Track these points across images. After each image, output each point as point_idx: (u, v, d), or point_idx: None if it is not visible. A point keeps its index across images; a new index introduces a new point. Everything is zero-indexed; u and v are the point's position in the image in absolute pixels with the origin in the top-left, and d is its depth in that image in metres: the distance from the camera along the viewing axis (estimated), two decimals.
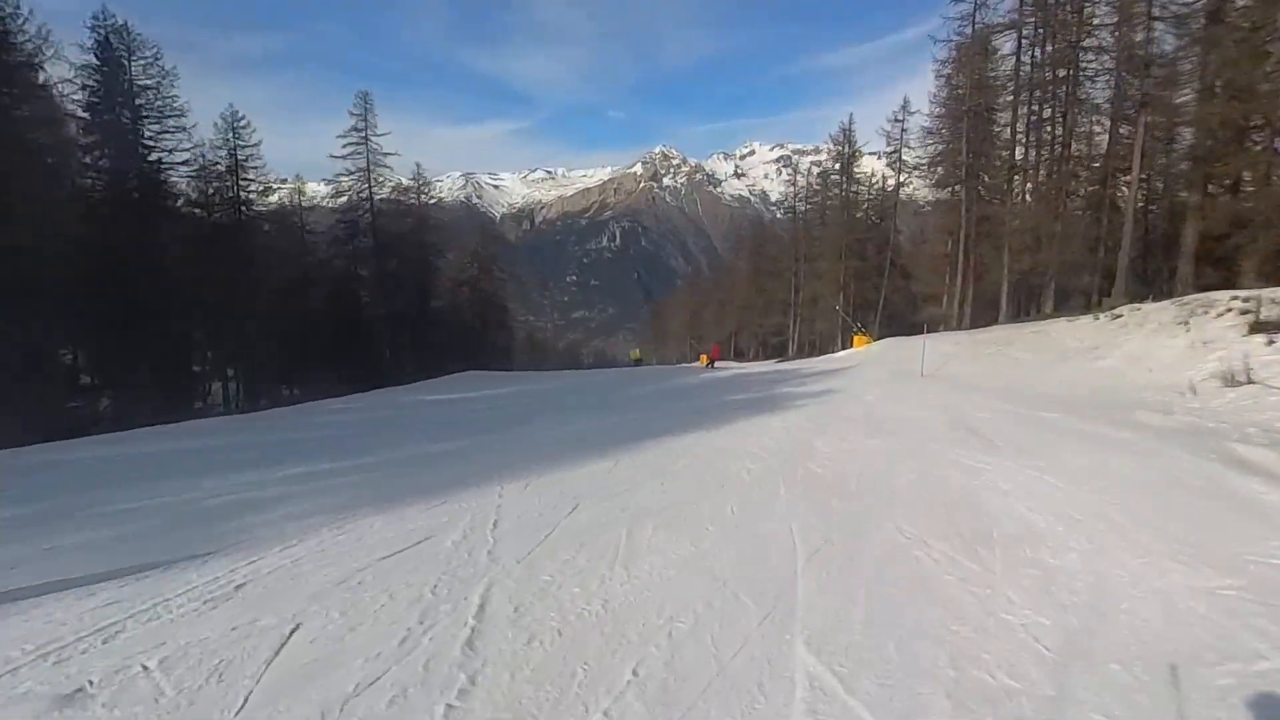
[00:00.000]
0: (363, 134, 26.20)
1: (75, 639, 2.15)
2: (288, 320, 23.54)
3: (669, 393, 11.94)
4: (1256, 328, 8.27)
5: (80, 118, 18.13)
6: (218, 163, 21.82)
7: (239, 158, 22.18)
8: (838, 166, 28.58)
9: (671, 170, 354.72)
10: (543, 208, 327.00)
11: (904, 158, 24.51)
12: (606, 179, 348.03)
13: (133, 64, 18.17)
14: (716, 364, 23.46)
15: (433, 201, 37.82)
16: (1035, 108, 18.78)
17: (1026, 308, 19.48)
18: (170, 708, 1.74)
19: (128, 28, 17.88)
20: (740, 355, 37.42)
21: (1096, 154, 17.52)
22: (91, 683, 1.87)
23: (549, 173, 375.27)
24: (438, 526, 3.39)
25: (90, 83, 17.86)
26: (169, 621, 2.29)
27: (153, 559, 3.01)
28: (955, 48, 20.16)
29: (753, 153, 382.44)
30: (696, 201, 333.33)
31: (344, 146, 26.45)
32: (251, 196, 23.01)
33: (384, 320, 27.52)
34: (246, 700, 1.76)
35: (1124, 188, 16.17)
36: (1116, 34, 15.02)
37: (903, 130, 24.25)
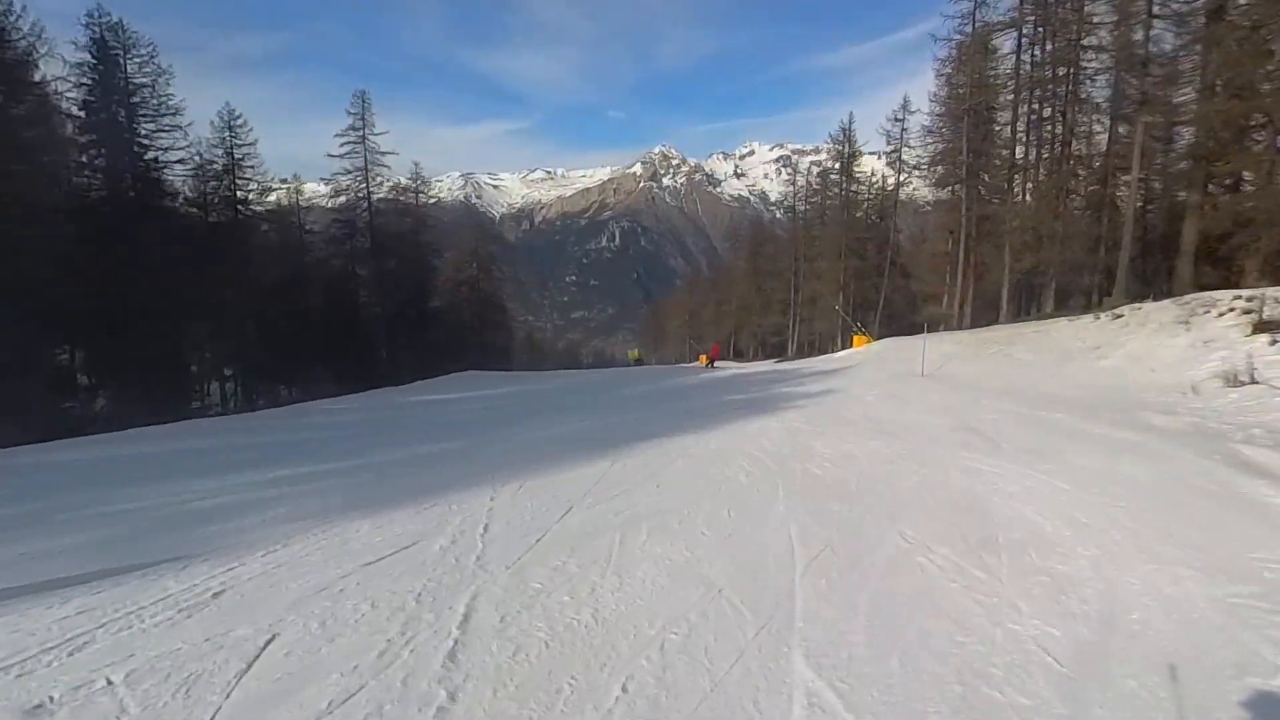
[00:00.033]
0: (360, 133, 26.09)
1: (40, 650, 2.05)
2: (285, 320, 23.43)
3: (667, 393, 11.84)
4: (1260, 327, 8.19)
5: (75, 116, 18.02)
6: (214, 162, 21.72)
7: (235, 157, 22.06)
8: (837, 166, 28.50)
9: (671, 170, 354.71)
10: (542, 208, 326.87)
11: (904, 157, 24.45)
12: (606, 179, 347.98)
13: (128, 61, 18.04)
14: (716, 364, 23.37)
15: (432, 201, 37.74)
16: (1035, 106, 18.72)
17: (1027, 307, 19.41)
18: None
19: (122, 25, 17.76)
20: (739, 355, 37.33)
21: (1096, 153, 17.46)
22: (52, 698, 1.77)
23: (548, 173, 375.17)
24: (426, 531, 3.29)
25: (85, 80, 17.74)
26: (140, 632, 2.19)
27: (133, 564, 2.92)
28: (955, 46, 20.10)
29: (752, 153, 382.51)
30: (696, 201, 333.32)
31: (341, 146, 26.37)
32: (249, 196, 22.90)
33: (382, 320, 27.41)
34: (214, 718, 1.67)
35: (1123, 187, 16.10)
36: (1115, 33, 14.94)
37: (903, 129, 24.20)
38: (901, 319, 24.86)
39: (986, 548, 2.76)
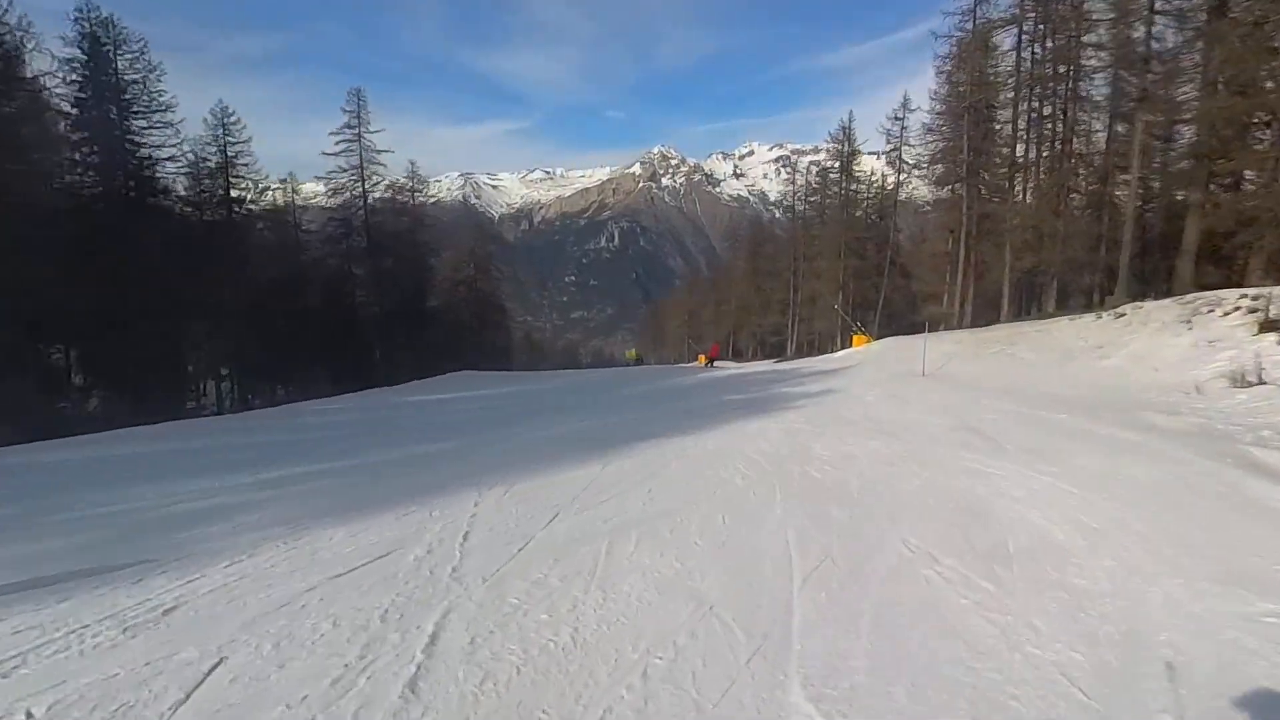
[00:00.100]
0: (356, 131, 25.88)
1: None
2: (281, 319, 23.21)
3: (664, 393, 11.67)
4: (1267, 326, 8.04)
5: (66, 113, 17.78)
6: (208, 160, 21.49)
7: (229, 155, 21.84)
8: (837, 165, 28.35)
9: (670, 170, 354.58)
10: (541, 208, 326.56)
11: (904, 156, 24.30)
12: (605, 179, 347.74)
13: (119, 58, 17.81)
14: (716, 363, 23.22)
15: (431, 201, 37.55)
16: (1036, 104, 18.59)
17: (1028, 307, 19.28)
18: None
19: (113, 20, 17.52)
20: (739, 355, 37.18)
21: (1096, 152, 17.33)
22: None
23: (547, 173, 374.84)
24: (403, 539, 3.11)
25: (77, 77, 17.51)
26: (78, 654, 2.01)
27: (91, 574, 2.74)
28: (956, 44, 19.96)
29: (752, 153, 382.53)
30: (695, 201, 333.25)
31: (337, 144, 26.15)
32: (244, 194, 22.68)
33: (379, 320, 27.19)
34: None
35: (1122, 186, 15.97)
36: (1114, 30, 14.79)
37: (903, 128, 24.05)
38: (901, 318, 24.72)
39: (995, 557, 2.59)
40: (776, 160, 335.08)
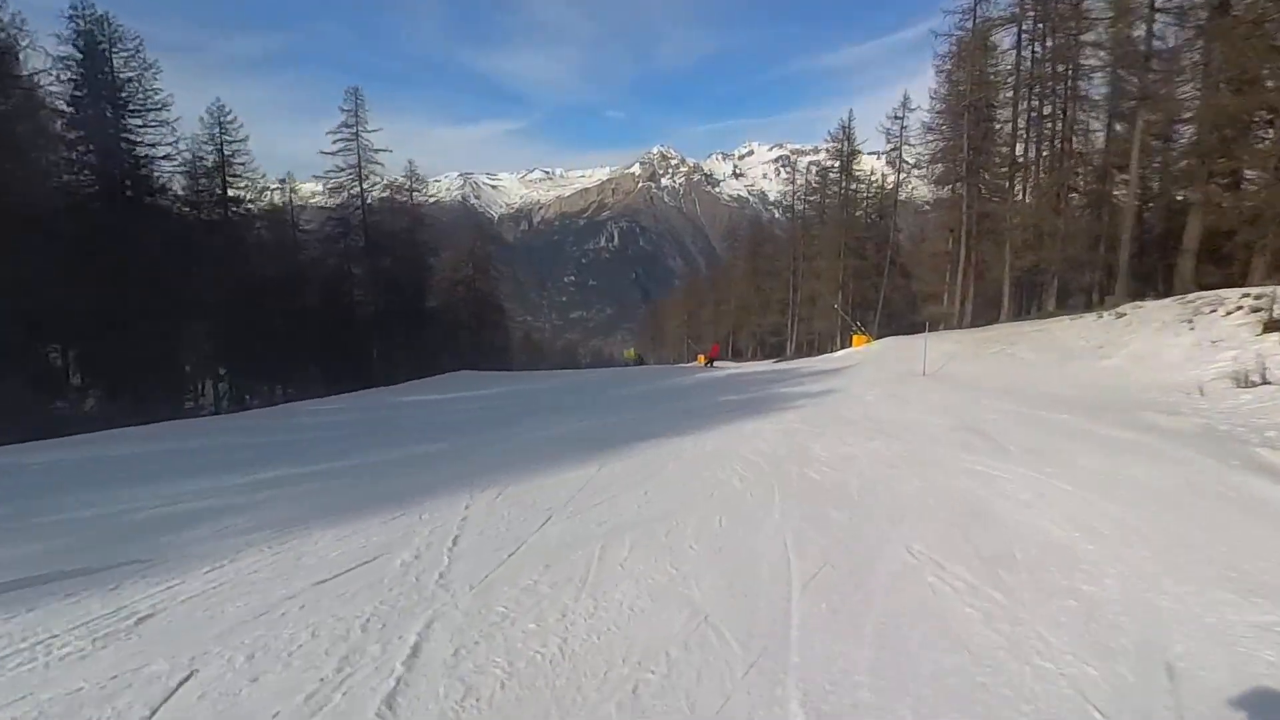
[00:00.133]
0: (353, 130, 25.78)
1: None
2: (279, 319, 23.11)
3: (663, 393, 11.58)
4: (1270, 326, 7.97)
5: (62, 111, 17.67)
6: (204, 158, 21.38)
7: (226, 154, 21.73)
8: (837, 165, 28.27)
9: (670, 170, 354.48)
10: (541, 208, 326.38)
11: (904, 155, 24.23)
12: (605, 179, 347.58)
13: (114, 55, 17.69)
14: (715, 363, 23.15)
15: (431, 201, 37.44)
16: (1035, 104, 18.53)
17: (1028, 306, 19.22)
18: None
19: (108, 18, 17.41)
20: (738, 355, 37.10)
21: (1096, 151, 17.27)
22: None
23: (547, 173, 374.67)
24: (390, 543, 3.02)
25: (73, 75, 17.40)
26: (43, 667, 1.92)
27: (67, 580, 2.65)
28: (956, 42, 19.90)
29: (751, 153, 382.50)
30: (695, 202, 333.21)
31: (334, 143, 26.04)
32: (241, 194, 22.58)
33: (377, 319, 27.08)
34: None
35: (1120, 186, 15.90)
36: (1112, 29, 14.72)
37: (903, 127, 23.98)
38: (901, 318, 24.65)
39: (1001, 562, 2.50)
40: (776, 160, 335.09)
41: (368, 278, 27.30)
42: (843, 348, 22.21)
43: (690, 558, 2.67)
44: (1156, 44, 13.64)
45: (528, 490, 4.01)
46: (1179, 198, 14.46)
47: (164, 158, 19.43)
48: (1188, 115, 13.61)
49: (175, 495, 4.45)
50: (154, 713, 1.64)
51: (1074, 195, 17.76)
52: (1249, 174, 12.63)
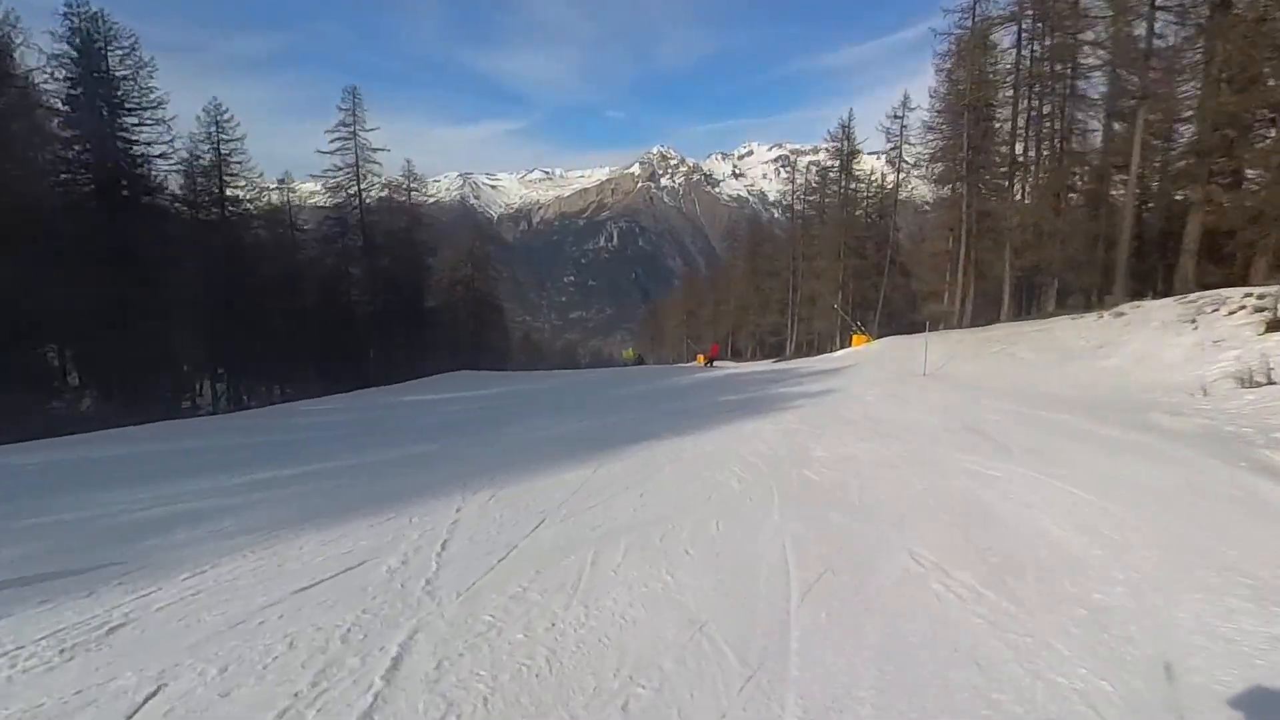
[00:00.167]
0: (351, 129, 25.66)
1: None
2: (277, 319, 23.01)
3: (662, 393, 11.50)
4: (1275, 325, 7.90)
5: (58, 109, 17.54)
6: (201, 157, 21.26)
7: (223, 152, 21.61)
8: (837, 164, 28.19)
9: (669, 170, 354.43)
10: (540, 208, 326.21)
11: (904, 154, 24.16)
12: (604, 179, 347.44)
13: (109, 54, 17.57)
14: (715, 363, 23.08)
15: (430, 201, 37.36)
16: (1035, 103, 18.47)
17: (1027, 306, 19.16)
18: None
19: (103, 16, 17.27)
20: (737, 355, 37.02)
21: (1094, 150, 17.22)
22: None
23: (546, 173, 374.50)
24: (377, 548, 2.93)
25: (67, 73, 17.27)
26: (5, 680, 1.83)
27: (42, 585, 2.56)
28: (955, 41, 19.83)
29: (751, 153, 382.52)
30: (694, 202, 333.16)
31: (332, 142, 25.92)
32: (239, 193, 22.46)
33: (376, 319, 26.97)
34: None
35: (1121, 186, 15.84)
36: (1111, 28, 14.65)
37: (903, 126, 23.90)
38: (901, 318, 24.58)
39: (1008, 568, 2.42)
40: (776, 160, 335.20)
41: (366, 277, 27.19)
42: (842, 347, 22.13)
43: (686, 563, 2.58)
44: (1157, 42, 13.57)
45: (522, 492, 3.93)
46: (1178, 198, 14.40)
47: (160, 156, 19.30)
48: (1188, 114, 13.55)
49: (164, 497, 4.36)
50: None
51: (1072, 195, 17.70)
52: (1250, 173, 12.58)
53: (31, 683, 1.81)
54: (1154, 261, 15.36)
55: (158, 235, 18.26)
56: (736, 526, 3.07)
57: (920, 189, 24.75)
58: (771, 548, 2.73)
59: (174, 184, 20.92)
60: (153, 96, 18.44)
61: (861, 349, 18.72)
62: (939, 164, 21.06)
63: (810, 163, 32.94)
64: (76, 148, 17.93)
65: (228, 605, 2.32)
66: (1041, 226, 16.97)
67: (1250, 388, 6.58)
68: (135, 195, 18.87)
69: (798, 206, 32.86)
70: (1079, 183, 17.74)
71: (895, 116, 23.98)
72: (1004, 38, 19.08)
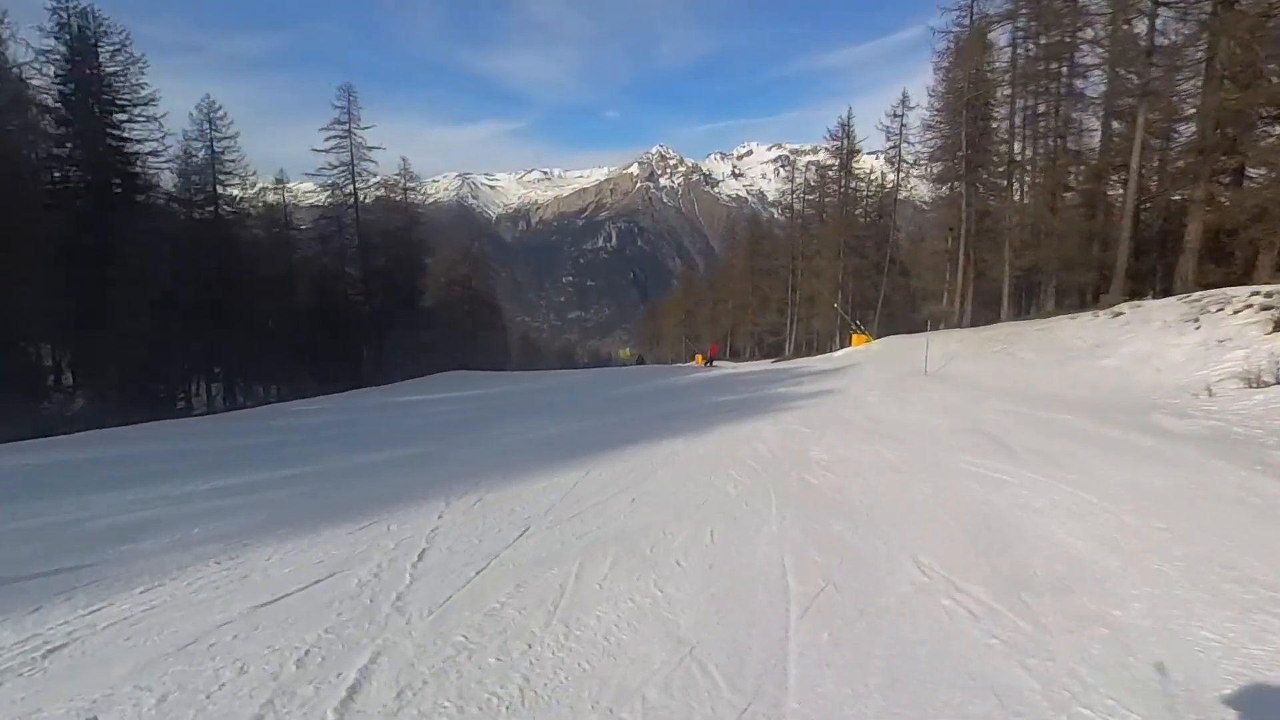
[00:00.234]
0: (346, 127, 25.45)
1: None
2: (272, 318, 22.79)
3: (659, 393, 11.33)
4: None
5: (50, 106, 17.31)
6: (194, 155, 21.04)
7: (216, 150, 21.39)
8: (836, 163, 28.05)
9: (668, 170, 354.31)
10: (539, 208, 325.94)
11: (903, 153, 24.03)
12: (603, 179, 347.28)
13: (100, 50, 17.35)
14: (715, 362, 22.93)
15: (429, 201, 37.17)
16: (1031, 102, 18.36)
17: (1026, 305, 19.04)
18: None
19: (93, 11, 17.06)
20: (736, 355, 36.87)
21: (1091, 149, 17.11)
22: None
23: (545, 173, 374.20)
24: (350, 558, 2.76)
25: (56, 70, 17.04)
26: None
27: None
28: (954, 40, 19.73)
29: (750, 153, 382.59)
30: (693, 202, 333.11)
31: (327, 140, 25.70)
32: (233, 191, 22.24)
33: (372, 319, 26.76)
34: None
35: (1118, 185, 15.72)
36: (1111, 27, 14.51)
37: (902, 125, 23.77)
38: (901, 318, 24.44)
39: (1023, 584, 2.25)
40: (775, 160, 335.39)
41: (362, 277, 26.97)
42: (842, 347, 21.99)
43: (677, 576, 2.41)
44: (1158, 39, 13.43)
45: (507, 497, 3.76)
46: (1176, 197, 14.28)
47: (151, 154, 19.08)
48: (1190, 112, 13.42)
49: (137, 501, 4.18)
50: None
51: (1070, 194, 17.59)
52: (1251, 171, 12.45)
53: None
54: (1152, 261, 15.25)
55: (151, 233, 18.03)
56: (732, 535, 2.90)
57: (920, 188, 24.64)
58: (769, 558, 2.56)
59: (168, 182, 20.73)
60: (144, 93, 18.24)
61: (861, 349, 18.59)
62: (938, 163, 20.94)
63: (809, 162, 32.77)
64: (69, 145, 17.71)
65: (181, 623, 2.15)
66: (1039, 226, 16.85)
67: (1258, 388, 6.44)
68: (128, 193, 18.65)
69: (797, 206, 32.70)
70: (1075, 182, 17.63)
71: (895, 115, 23.86)
72: (1001, 36, 19.00)
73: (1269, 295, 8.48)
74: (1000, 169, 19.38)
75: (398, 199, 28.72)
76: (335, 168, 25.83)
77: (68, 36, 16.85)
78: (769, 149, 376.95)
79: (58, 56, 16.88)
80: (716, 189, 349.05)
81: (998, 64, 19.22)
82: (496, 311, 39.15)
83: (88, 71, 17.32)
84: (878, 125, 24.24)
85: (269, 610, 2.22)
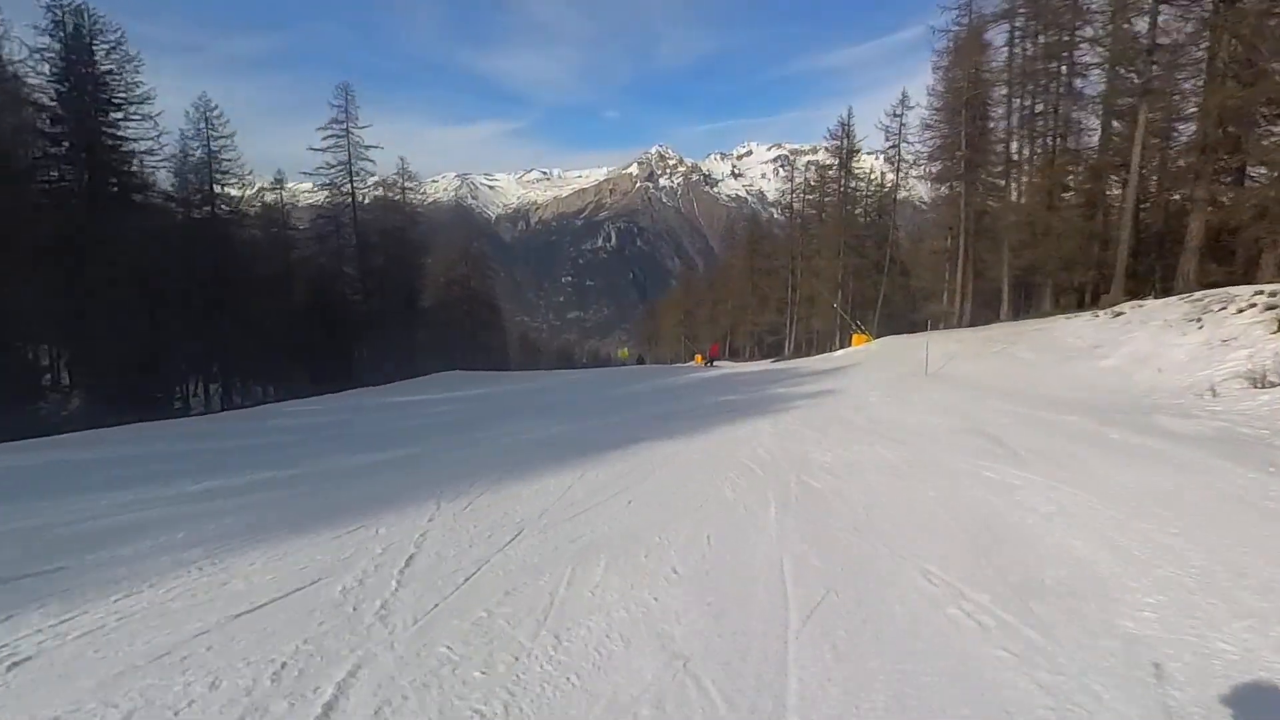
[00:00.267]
0: (344, 126, 25.37)
1: None
2: (269, 318, 22.69)
3: (658, 393, 11.25)
4: None
5: (45, 105, 17.19)
6: (191, 154, 20.94)
7: (212, 149, 21.28)
8: (836, 163, 27.99)
9: (668, 170, 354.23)
10: (538, 208, 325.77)
11: (903, 153, 23.98)
12: (602, 179, 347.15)
13: (95, 48, 17.24)
14: (715, 362, 22.85)
15: (428, 201, 37.12)
16: (1029, 102, 18.31)
17: (1025, 305, 18.97)
18: None
19: (86, 8, 16.93)
20: (735, 355, 36.79)
21: (1090, 148, 17.06)
22: None
23: (544, 173, 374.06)
24: (334, 564, 2.67)
25: (54, 68, 16.92)
26: None
27: None
28: (952, 39, 19.68)
29: (750, 153, 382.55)
30: (693, 202, 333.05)
31: (325, 139, 25.62)
32: (230, 191, 22.14)
33: (370, 319, 26.66)
34: None
35: (1117, 185, 15.65)
36: (1111, 25, 14.44)
37: (901, 124, 23.72)
38: (901, 317, 24.37)
39: (1033, 593, 2.17)
40: (775, 160, 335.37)
41: (359, 276, 26.87)
42: (842, 347, 21.92)
43: (672, 583, 2.33)
44: (1159, 38, 13.36)
45: (500, 500, 3.67)
46: (1176, 197, 14.22)
47: (147, 153, 18.98)
48: (1191, 111, 13.36)
49: (120, 505, 4.09)
50: None
51: (1069, 194, 17.53)
52: (1253, 170, 12.38)
53: None
54: (1152, 261, 15.18)
55: (147, 233, 17.92)
56: (730, 540, 2.82)
57: (919, 188, 24.59)
58: (768, 565, 2.48)
59: (164, 181, 20.63)
60: (139, 92, 18.13)
61: (861, 349, 18.51)
62: (937, 162, 20.89)
63: (809, 162, 32.70)
64: (64, 144, 17.60)
65: (154, 634, 2.06)
66: (1037, 225, 16.79)
67: (1264, 388, 6.37)
68: (124, 192, 18.54)
69: (797, 205, 32.63)
70: (1075, 181, 17.57)
71: (894, 115, 23.81)
72: (998, 35, 18.95)
73: (1273, 294, 8.41)
74: (998, 168, 19.33)
75: (396, 198, 28.63)
76: (333, 167, 25.74)
77: (62, 34, 16.73)
78: (769, 149, 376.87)
79: (52, 54, 16.77)
80: (716, 189, 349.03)
81: (995, 63, 19.20)
82: (495, 311, 39.08)
83: (83, 70, 17.20)
84: (877, 125, 24.21)
85: (246, 620, 2.14)
